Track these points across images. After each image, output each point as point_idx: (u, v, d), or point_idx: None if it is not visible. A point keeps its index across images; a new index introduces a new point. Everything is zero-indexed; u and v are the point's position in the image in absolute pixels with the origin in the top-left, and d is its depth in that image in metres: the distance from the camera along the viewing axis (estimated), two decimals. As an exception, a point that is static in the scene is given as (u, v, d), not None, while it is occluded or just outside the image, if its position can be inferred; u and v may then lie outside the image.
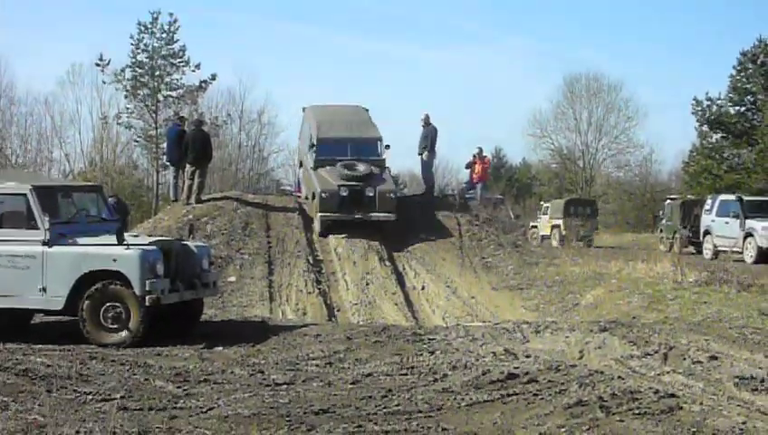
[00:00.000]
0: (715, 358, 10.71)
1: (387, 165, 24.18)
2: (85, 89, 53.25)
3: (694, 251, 31.38)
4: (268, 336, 13.12)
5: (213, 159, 26.83)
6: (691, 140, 56.75)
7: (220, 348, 12.14)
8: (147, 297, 12.30)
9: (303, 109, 26.52)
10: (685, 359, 10.80)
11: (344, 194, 22.29)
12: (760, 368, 10.18)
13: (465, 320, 17.52)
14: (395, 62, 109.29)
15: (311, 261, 21.09)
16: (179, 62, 48.25)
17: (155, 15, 47.95)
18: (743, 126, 51.40)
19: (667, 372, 10.17)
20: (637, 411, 8.33)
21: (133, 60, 47.77)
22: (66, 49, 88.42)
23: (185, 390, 9.51)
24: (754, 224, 27.64)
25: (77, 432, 7.00)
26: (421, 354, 11.44)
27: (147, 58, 47.96)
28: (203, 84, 48.68)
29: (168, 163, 26.84)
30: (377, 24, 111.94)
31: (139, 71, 47.98)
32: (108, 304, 12.43)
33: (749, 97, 52.13)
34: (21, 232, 12.82)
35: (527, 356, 11.16)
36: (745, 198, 30.83)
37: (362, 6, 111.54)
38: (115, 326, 12.43)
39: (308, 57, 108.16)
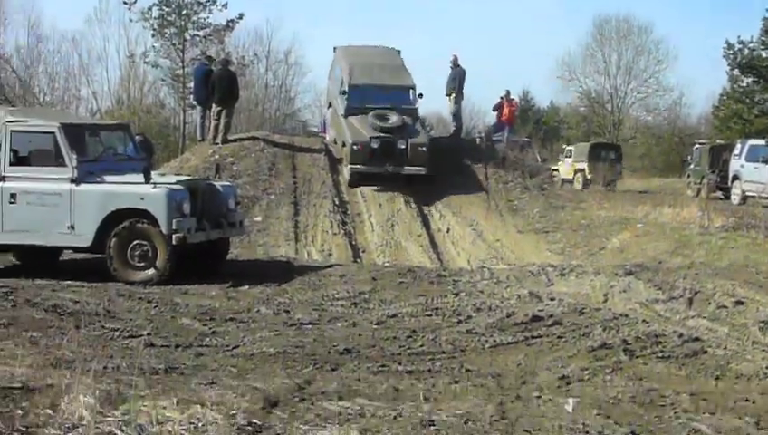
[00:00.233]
0: (741, 303, 10.70)
1: (419, 114, 23.73)
2: (112, 27, 53.18)
3: (722, 196, 31.16)
4: (293, 276, 13.18)
5: (239, 98, 26.74)
6: (722, 84, 56.15)
7: (246, 287, 12.22)
8: (173, 236, 12.37)
9: (334, 49, 26.00)
10: (710, 303, 10.79)
11: (375, 146, 21.76)
12: (785, 313, 10.16)
13: (490, 262, 17.54)
14: (420, 4, 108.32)
15: (336, 202, 21.12)
16: (206, 1, 47.97)
17: (182, -47, 47.66)
18: (774, 70, 50.76)
19: (692, 317, 10.17)
20: (660, 355, 8.35)
21: (160, -2, 47.56)
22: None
23: (211, 328, 9.59)
24: (784, 169, 27.44)
25: (104, 368, 7.08)
26: (446, 296, 11.47)
27: (174, -4, 47.72)
28: (230, 24, 48.37)
29: (195, 103, 26.81)
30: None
31: (166, 9, 47.69)
32: (135, 242, 12.52)
33: (782, 40, 51.44)
34: (49, 170, 12.89)
35: (551, 299, 11.17)
36: (775, 143, 30.56)
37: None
38: (142, 264, 12.52)
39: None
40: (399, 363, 8.09)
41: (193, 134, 33.44)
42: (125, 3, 47.48)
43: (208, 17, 48.16)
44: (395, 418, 5.99)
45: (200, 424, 5.58)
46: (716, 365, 7.99)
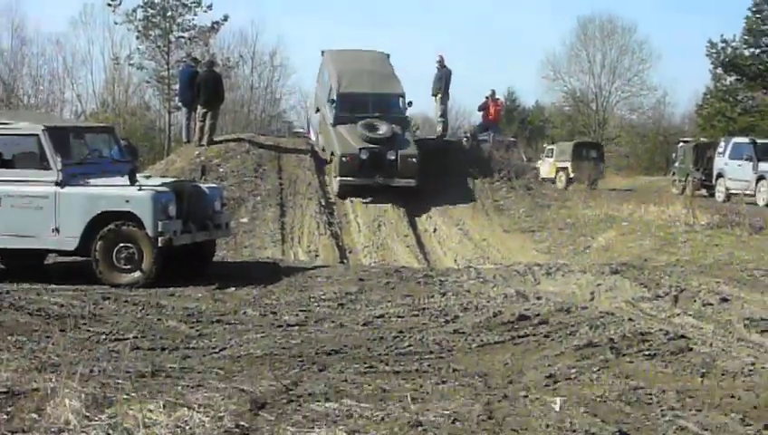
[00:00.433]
0: (726, 300, 10.74)
1: (409, 121, 23.38)
2: (97, 29, 53.25)
3: (706, 194, 31.30)
4: (280, 277, 13.18)
5: (225, 100, 26.73)
6: (705, 83, 56.47)
7: (232, 289, 12.20)
8: (159, 238, 12.34)
9: (322, 52, 25.46)
10: (695, 301, 10.83)
11: (364, 157, 21.37)
12: (770, 310, 10.20)
13: (476, 262, 17.58)
14: (407, 3, 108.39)
15: (323, 203, 21.13)
16: (191, 3, 47.97)
17: (168, -45, 47.64)
18: (757, 68, 50.95)
19: (678, 314, 10.20)
20: (647, 353, 8.37)
21: (145, 0, 47.53)
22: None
23: (197, 330, 9.58)
24: (767, 167, 27.54)
25: (90, 371, 7.05)
26: (432, 296, 11.48)
27: (158, -1, 47.70)
28: (215, 25, 48.45)
29: (180, 104, 26.79)
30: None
31: (151, 11, 47.74)
32: (121, 245, 12.48)
33: (764, 39, 51.62)
34: (34, 172, 12.85)
35: (538, 298, 11.20)
36: (759, 140, 30.69)
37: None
38: (128, 267, 12.49)
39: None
40: (387, 364, 8.09)
41: (178, 136, 33.39)
42: (109, 5, 47.53)
43: (193, 19, 48.30)
44: (382, 418, 5.99)
45: (187, 427, 5.56)
46: (702, 363, 8.01)
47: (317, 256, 18.42)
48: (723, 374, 7.66)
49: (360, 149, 21.44)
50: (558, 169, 40.84)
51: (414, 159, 21.67)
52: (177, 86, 34.95)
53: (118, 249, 12.47)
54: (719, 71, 52.72)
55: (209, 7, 47.70)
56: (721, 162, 30.52)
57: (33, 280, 12.35)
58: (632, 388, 7.12)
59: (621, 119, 67.67)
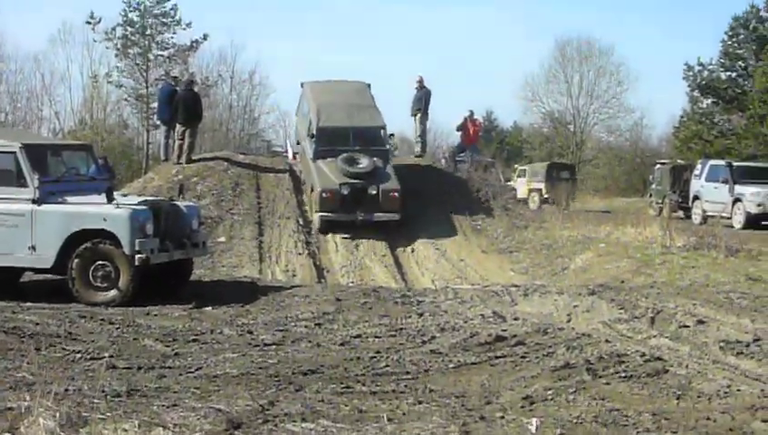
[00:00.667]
0: (702, 322, 10.77)
1: (390, 156, 22.75)
2: (76, 47, 53.18)
3: (683, 216, 31.43)
4: (257, 297, 13.15)
5: (203, 119, 26.68)
6: (682, 106, 56.85)
7: (209, 308, 12.17)
8: (136, 257, 12.31)
9: (302, 84, 24.80)
10: (671, 323, 10.86)
11: (345, 193, 20.73)
12: (746, 332, 10.24)
13: (454, 282, 17.56)
14: (387, 23, 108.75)
15: (300, 222, 21.09)
16: (170, 21, 47.99)
17: (147, -26, 47.66)
18: (733, 91, 51.34)
19: (654, 336, 10.23)
20: (623, 374, 8.39)
21: (124, 18, 47.50)
22: (57, 6, 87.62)
23: (174, 349, 9.54)
24: (743, 189, 27.70)
25: (66, 390, 7.01)
26: (410, 316, 11.48)
27: (138, 17, 47.68)
28: (194, 44, 48.45)
29: (158, 123, 26.74)
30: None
31: (130, 29, 47.70)
32: (97, 263, 12.45)
33: (740, 63, 52.05)
34: (10, 190, 12.79)
35: (515, 319, 11.22)
36: (735, 163, 30.88)
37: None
38: (104, 285, 12.45)
39: (298, 17, 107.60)
40: (363, 384, 8.07)
41: (156, 154, 33.33)
42: (89, 23, 47.43)
43: (172, 38, 48.28)
44: (359, 439, 5.98)
45: (162, 447, 5.54)
46: (678, 384, 8.03)
47: (294, 275, 18.38)
48: (699, 396, 7.68)
49: (341, 184, 20.86)
50: (531, 190, 41.07)
51: (396, 193, 21.13)
52: (155, 104, 34.93)
53: (94, 267, 12.44)
54: (696, 93, 53.08)
55: (188, 25, 47.74)
56: (697, 185, 30.69)
57: (8, 298, 12.28)
58: (608, 410, 7.14)
59: (599, 140, 68.00)
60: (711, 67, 52.28)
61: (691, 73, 52.27)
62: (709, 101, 53.04)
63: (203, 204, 19.77)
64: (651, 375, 8.36)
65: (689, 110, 54.01)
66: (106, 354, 8.91)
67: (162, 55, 48.22)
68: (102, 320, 11.02)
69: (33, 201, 12.67)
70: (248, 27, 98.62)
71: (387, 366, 8.84)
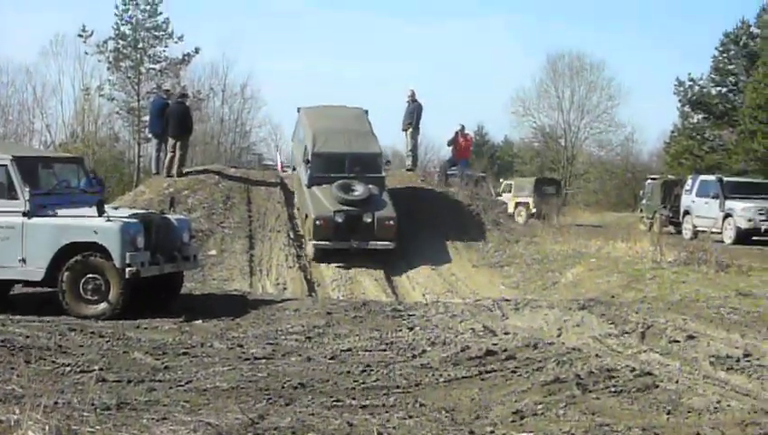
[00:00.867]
0: (692, 337, 10.79)
1: (386, 183, 22.21)
2: (68, 60, 53.18)
3: (673, 231, 31.44)
4: (248, 310, 13.14)
5: (194, 132, 26.65)
6: (672, 121, 57.02)
7: (199, 321, 12.16)
8: (127, 270, 12.30)
9: (298, 109, 24.23)
10: (662, 338, 10.88)
11: (339, 220, 20.31)
12: (736, 348, 10.26)
13: (444, 297, 17.58)
14: (378, 37, 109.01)
15: (291, 236, 21.07)
16: (162, 35, 48.04)
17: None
18: (724, 107, 51.61)
19: (644, 351, 10.24)
20: (613, 389, 8.39)
21: (116, 31, 47.54)
22: (49, 19, 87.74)
23: (164, 362, 9.53)
24: (734, 205, 27.77)
25: (55, 404, 6.99)
26: (400, 330, 11.48)
27: (130, 30, 47.73)
28: (186, 58, 48.51)
29: (150, 136, 26.73)
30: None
31: (122, 42, 47.74)
32: (88, 276, 12.44)
33: (731, 78, 52.35)
34: (1, 202, 12.78)
35: (506, 333, 11.23)
36: (725, 178, 30.93)
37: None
38: (95, 298, 12.43)
39: (291, 30, 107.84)
40: (354, 398, 8.06)
41: (147, 167, 33.33)
42: (80, 36, 47.48)
43: (164, 51, 48.33)
44: (349, 453, 5.98)
45: (152, 460, 5.53)
46: (668, 400, 8.04)
47: (285, 288, 18.37)
48: (689, 412, 7.69)
49: (335, 211, 20.43)
50: (517, 205, 41.21)
51: (392, 222, 20.69)
52: (146, 117, 34.92)
53: (85, 280, 12.43)
54: (687, 109, 53.35)
55: (180, 38, 47.79)
56: (688, 200, 30.74)
57: (-3, 311, 12.25)
58: (598, 424, 7.15)
59: (590, 155, 68.19)
60: (702, 82, 52.59)
61: (682, 89, 52.54)
62: (700, 116, 53.32)
63: (194, 217, 19.76)
64: (641, 390, 8.37)
65: (680, 125, 54.26)
66: (96, 367, 8.90)
67: (154, 69, 48.28)
68: (92, 333, 11.00)
69: (24, 214, 12.66)
70: (240, 41, 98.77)
71: (377, 380, 8.83)
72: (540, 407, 7.75)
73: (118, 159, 50.96)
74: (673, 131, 55.32)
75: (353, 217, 20.45)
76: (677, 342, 10.64)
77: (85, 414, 6.47)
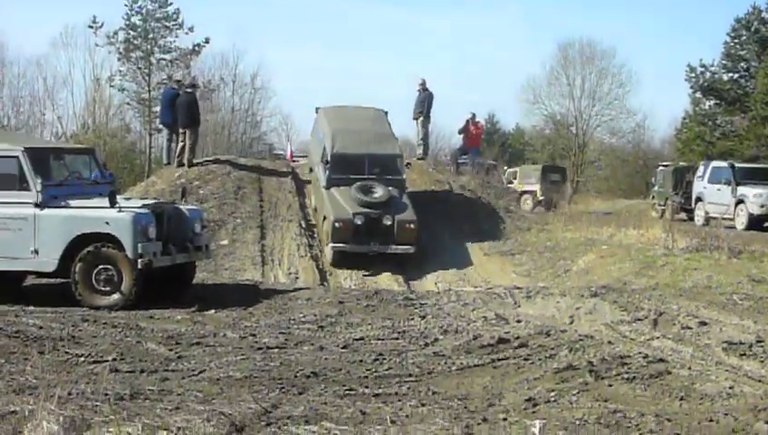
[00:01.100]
0: (705, 323, 10.78)
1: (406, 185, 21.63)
2: (78, 51, 52.99)
3: (685, 218, 31.38)
4: (260, 300, 13.15)
5: (202, 122, 26.62)
6: (684, 107, 56.88)
7: (212, 311, 12.18)
8: (139, 260, 12.32)
9: (317, 109, 23.80)
10: (674, 324, 10.87)
11: (359, 223, 19.70)
12: (748, 334, 10.25)
13: (456, 285, 17.58)
14: (389, 26, 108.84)
15: (303, 225, 21.07)
16: (173, 25, 48.09)
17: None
18: (736, 93, 51.33)
19: (657, 338, 10.24)
20: (626, 376, 8.39)
21: (127, 22, 47.62)
22: (60, 10, 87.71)
23: (176, 352, 9.55)
24: (746, 191, 27.65)
25: (69, 394, 7.02)
26: (412, 319, 11.49)
27: (140, 20, 47.80)
28: (196, 48, 48.61)
29: (161, 126, 26.75)
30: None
31: (133, 33, 47.85)
32: (100, 267, 12.45)
33: (742, 64, 52.07)
34: (13, 194, 12.81)
35: (518, 321, 11.23)
36: (737, 164, 30.78)
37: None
38: (107, 289, 12.46)
39: (302, 21, 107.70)
40: (366, 387, 8.08)
41: (159, 158, 33.38)
42: (91, 27, 47.55)
43: (175, 41, 48.40)
44: (361, 441, 5.99)
45: (166, 450, 5.54)
46: (681, 386, 8.04)
47: (297, 278, 18.37)
48: (701, 398, 7.69)
49: (355, 214, 19.84)
50: (523, 193, 41.15)
51: (412, 225, 20.11)
52: (157, 108, 34.97)
53: (97, 271, 12.45)
54: (698, 95, 53.09)
55: (191, 29, 47.85)
56: (700, 186, 30.64)
57: (11, 302, 12.30)
58: (611, 411, 7.14)
59: (601, 142, 67.89)
60: (713, 69, 52.31)
61: (693, 75, 52.29)
62: (711, 102, 53.06)
63: (205, 207, 19.77)
64: (654, 377, 8.37)
65: (691, 111, 53.99)
66: (109, 358, 8.92)
67: (164, 59, 48.39)
68: (105, 323, 11.04)
69: (36, 205, 12.69)
70: (250, 31, 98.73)
71: (389, 369, 8.84)
72: (552, 394, 7.75)
73: (129, 150, 51.00)
74: (684, 118, 55.08)
75: (373, 220, 19.89)
76: (690, 328, 10.63)
77: (99, 404, 6.49)
